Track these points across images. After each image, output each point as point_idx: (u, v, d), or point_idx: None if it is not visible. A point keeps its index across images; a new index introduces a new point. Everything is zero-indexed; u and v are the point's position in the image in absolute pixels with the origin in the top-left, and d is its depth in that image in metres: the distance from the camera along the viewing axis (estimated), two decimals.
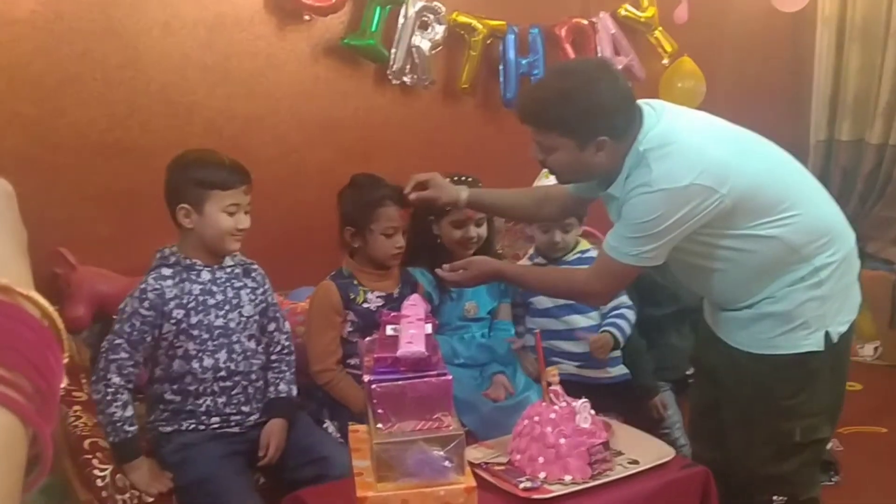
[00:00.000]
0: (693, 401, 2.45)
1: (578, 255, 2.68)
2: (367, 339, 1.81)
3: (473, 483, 1.63)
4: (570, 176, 2.11)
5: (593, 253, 2.68)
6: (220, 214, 2.10)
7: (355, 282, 2.41)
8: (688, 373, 2.74)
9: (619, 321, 2.63)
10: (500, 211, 2.55)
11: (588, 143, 1.94)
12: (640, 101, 2.01)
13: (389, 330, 1.73)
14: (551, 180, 2.39)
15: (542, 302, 2.65)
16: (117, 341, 2.06)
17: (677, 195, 1.88)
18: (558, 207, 2.41)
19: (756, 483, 2.14)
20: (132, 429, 2.06)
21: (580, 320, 2.65)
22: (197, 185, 2.10)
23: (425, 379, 1.62)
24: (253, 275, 2.27)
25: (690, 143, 1.94)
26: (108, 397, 2.04)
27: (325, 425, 2.32)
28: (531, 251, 2.75)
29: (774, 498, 2.13)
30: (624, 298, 2.65)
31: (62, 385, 0.50)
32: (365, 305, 2.38)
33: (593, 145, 1.94)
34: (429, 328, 1.73)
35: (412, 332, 1.69)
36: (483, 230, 2.61)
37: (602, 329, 2.61)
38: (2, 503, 0.43)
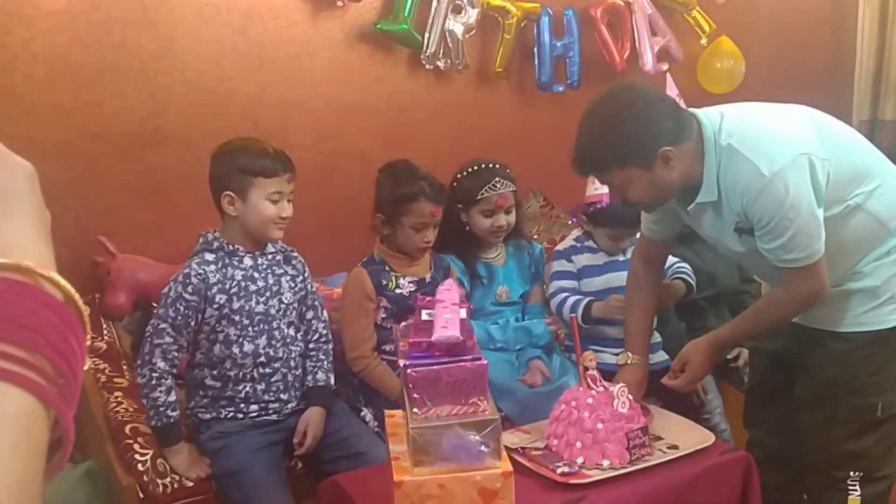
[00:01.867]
0: (753, 389, 2.39)
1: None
2: (402, 324, 1.80)
3: (510, 468, 1.62)
4: (654, 200, 2.03)
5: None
6: (263, 202, 2.11)
7: (387, 268, 2.41)
8: (728, 357, 2.70)
9: (684, 269, 2.60)
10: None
11: (653, 161, 1.90)
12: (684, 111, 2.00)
13: (424, 315, 1.73)
14: (598, 186, 2.38)
15: (591, 285, 2.61)
16: (162, 326, 2.08)
17: (792, 171, 1.83)
18: (660, 268, 2.37)
19: (832, 462, 2.09)
20: (174, 414, 2.08)
21: None
22: (241, 172, 2.11)
23: (461, 363, 1.61)
24: (293, 262, 2.28)
25: (771, 122, 1.93)
26: (153, 381, 2.05)
27: (362, 413, 2.32)
28: (577, 233, 2.69)
29: (851, 474, 2.08)
30: (673, 259, 2.61)
31: (84, 368, 0.49)
32: (398, 291, 2.38)
33: (659, 160, 1.90)
34: (463, 313, 1.72)
35: (447, 316, 1.68)
36: (512, 217, 2.60)
37: (673, 276, 2.57)
38: (24, 487, 0.43)
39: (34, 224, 0.51)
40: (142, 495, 2.03)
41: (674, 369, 2.17)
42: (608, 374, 2.11)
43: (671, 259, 2.54)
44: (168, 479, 2.06)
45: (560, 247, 2.72)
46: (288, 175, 2.16)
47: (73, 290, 0.49)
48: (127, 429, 2.13)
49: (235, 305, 2.12)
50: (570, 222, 3.45)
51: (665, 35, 3.82)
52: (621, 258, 2.60)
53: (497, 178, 2.55)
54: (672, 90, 2.85)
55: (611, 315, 2.49)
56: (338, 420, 2.22)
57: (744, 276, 2.81)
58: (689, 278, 2.58)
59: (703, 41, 3.96)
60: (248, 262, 2.17)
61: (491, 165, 2.58)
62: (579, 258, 2.63)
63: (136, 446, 2.09)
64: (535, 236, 3.34)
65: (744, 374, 2.71)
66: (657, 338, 2.64)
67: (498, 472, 1.60)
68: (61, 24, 2.79)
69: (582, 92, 3.71)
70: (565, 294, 2.57)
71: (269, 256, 2.22)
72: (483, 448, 1.61)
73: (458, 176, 2.60)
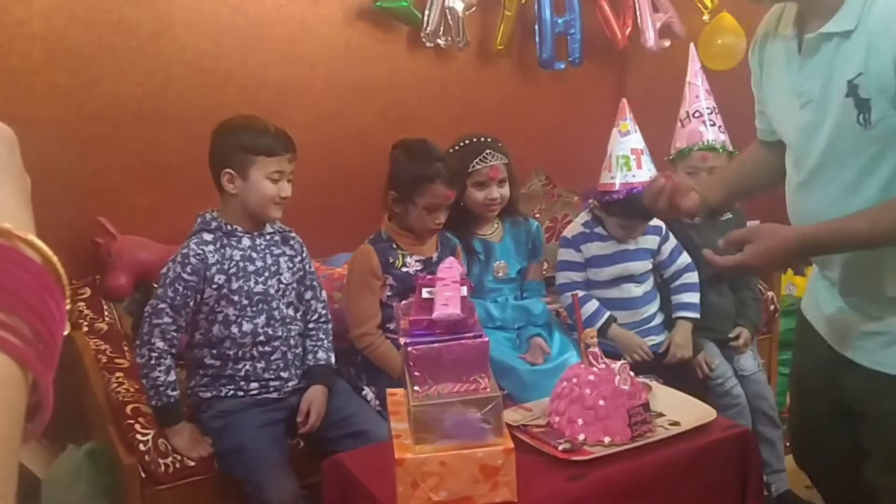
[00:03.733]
0: (804, 433, 1.98)
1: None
2: (404, 302, 1.79)
3: (511, 445, 1.62)
4: None
5: (658, 221, 2.57)
6: (263, 181, 2.11)
7: (394, 245, 2.40)
8: (730, 335, 2.70)
9: (686, 297, 2.60)
10: (743, 194, 2.07)
11: None
12: None
13: (425, 293, 1.72)
14: (613, 174, 2.36)
15: (600, 275, 2.60)
16: (160, 306, 2.07)
17: None
18: (776, 163, 1.79)
19: None
20: (175, 393, 2.08)
21: (635, 289, 2.61)
22: (243, 150, 2.10)
23: (461, 341, 1.60)
24: (291, 242, 2.27)
25: None
26: (152, 361, 2.06)
27: (363, 392, 2.32)
28: (586, 217, 2.64)
29: None
30: (683, 258, 2.61)
31: (64, 332, 0.48)
32: (404, 269, 2.37)
33: None
34: (464, 290, 1.71)
35: (448, 294, 1.67)
36: (506, 190, 2.58)
37: (675, 316, 2.57)
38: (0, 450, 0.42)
39: (12, 188, 0.50)
40: (144, 475, 2.03)
41: (736, 238, 1.67)
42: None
43: (675, 265, 2.57)
44: (170, 459, 2.06)
45: (568, 233, 2.70)
46: (289, 155, 2.15)
47: (51, 254, 0.48)
48: (128, 409, 2.14)
49: (234, 286, 2.12)
50: (574, 199, 3.43)
51: (667, 11, 3.78)
52: (632, 247, 2.59)
53: (487, 151, 2.55)
54: (695, 63, 2.81)
55: (625, 352, 2.49)
56: (340, 399, 2.22)
57: None
58: (692, 314, 2.58)
59: (706, 17, 3.92)
60: (246, 242, 2.17)
61: (481, 139, 2.58)
62: (588, 247, 2.61)
63: (138, 426, 2.09)
64: (537, 215, 3.33)
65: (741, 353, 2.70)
66: (660, 319, 2.64)
67: (500, 450, 1.61)
68: (58, 3, 2.77)
69: (583, 69, 3.70)
70: (577, 291, 2.52)
71: (268, 237, 2.22)
72: (484, 425, 1.61)
73: (450, 151, 2.58)
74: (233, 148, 2.11)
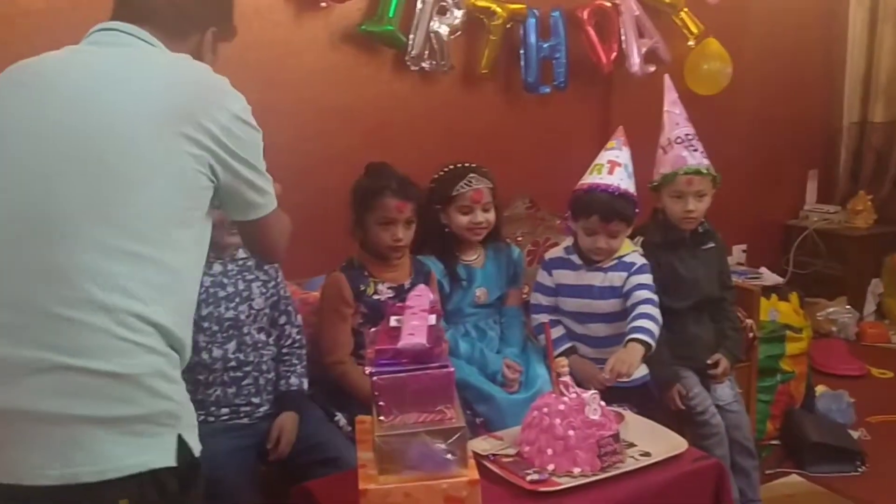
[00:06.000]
0: None
1: (617, 260, 2.54)
2: (372, 329, 1.79)
3: (476, 476, 1.62)
4: None
5: (633, 258, 2.55)
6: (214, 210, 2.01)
7: (365, 273, 2.40)
8: (708, 362, 2.68)
9: (642, 322, 2.39)
10: None
11: None
12: None
13: (393, 321, 1.72)
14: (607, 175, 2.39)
15: (565, 304, 2.59)
16: None
17: None
18: None
19: None
20: None
21: (602, 329, 2.56)
22: None
23: (427, 371, 1.60)
24: (265, 267, 2.26)
25: None
26: None
27: (336, 418, 2.31)
28: (566, 243, 2.64)
29: None
30: (645, 293, 2.46)
31: None
32: (375, 297, 2.37)
33: None
34: (433, 319, 1.71)
35: (415, 323, 1.67)
36: (491, 215, 2.58)
37: (627, 339, 2.36)
38: None
39: None
40: None
41: None
42: None
43: (636, 297, 2.46)
44: None
45: (549, 255, 2.71)
46: None
47: None
48: None
49: (204, 312, 2.11)
50: (556, 223, 3.44)
51: (653, 36, 3.81)
52: (598, 283, 2.54)
53: (472, 175, 2.56)
54: (671, 93, 2.81)
55: (583, 381, 2.36)
56: (311, 425, 2.21)
57: (724, 284, 2.80)
58: (646, 338, 2.35)
59: (691, 43, 3.95)
60: (217, 268, 2.16)
61: (466, 165, 2.59)
62: (559, 273, 2.60)
63: None
64: (520, 238, 3.33)
65: (719, 384, 2.68)
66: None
67: (464, 481, 1.60)
68: (41, 24, 2.77)
69: (569, 93, 3.71)
70: (545, 316, 2.56)
71: (240, 262, 2.21)
72: (449, 456, 1.60)
73: (435, 177, 2.60)
74: None
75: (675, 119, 2.74)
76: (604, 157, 2.56)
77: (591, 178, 2.53)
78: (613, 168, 2.51)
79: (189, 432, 1.42)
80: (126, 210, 1.36)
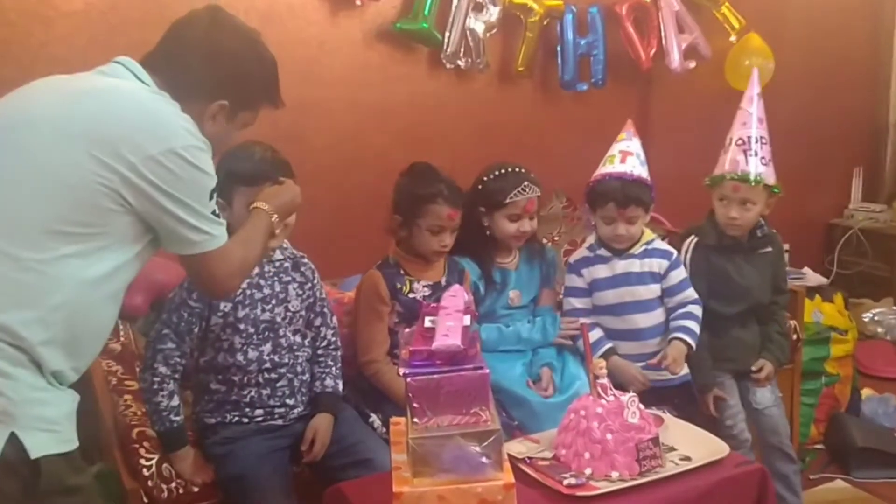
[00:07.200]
0: None
1: (644, 247, 2.53)
2: (407, 330, 1.77)
3: (512, 479, 1.58)
4: None
5: (659, 244, 2.55)
6: (245, 211, 1.89)
7: (402, 271, 2.37)
8: (753, 368, 2.62)
9: (687, 322, 2.47)
10: None
11: None
12: None
13: (427, 322, 1.69)
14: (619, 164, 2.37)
15: (603, 299, 2.56)
16: (164, 331, 2.06)
17: None
18: None
19: None
20: (178, 418, 2.06)
21: (642, 319, 2.53)
22: (226, 177, 1.89)
23: (461, 372, 1.57)
24: (302, 269, 2.23)
25: None
26: (155, 386, 2.05)
27: (370, 419, 2.29)
28: (591, 240, 2.62)
29: None
30: (690, 292, 2.51)
31: None
32: (411, 295, 2.34)
33: None
34: (467, 320, 1.68)
35: (449, 324, 1.64)
36: (535, 223, 2.57)
37: (671, 336, 2.46)
38: None
39: None
40: (146, 500, 2.01)
41: None
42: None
43: (679, 296, 2.50)
44: (173, 485, 2.04)
45: (573, 258, 2.66)
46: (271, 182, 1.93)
47: None
48: (134, 433, 2.12)
49: (241, 314, 2.10)
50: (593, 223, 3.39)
51: (693, 32, 3.75)
52: (636, 269, 2.52)
53: (526, 183, 2.50)
54: (751, 88, 2.68)
55: (623, 383, 2.35)
56: (345, 426, 2.19)
57: (778, 288, 2.72)
58: (688, 338, 2.46)
59: (732, 38, 3.87)
60: (254, 269, 2.13)
61: (518, 170, 2.54)
62: (590, 271, 2.56)
63: (142, 451, 2.07)
64: (556, 238, 3.29)
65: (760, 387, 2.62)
66: None
67: (500, 484, 1.57)
68: (79, 26, 2.80)
69: (606, 90, 3.66)
70: (583, 319, 2.48)
71: (277, 263, 2.18)
72: (484, 459, 1.57)
73: (484, 179, 2.53)
74: (221, 174, 1.82)
75: (744, 118, 2.61)
76: (615, 148, 2.56)
77: (603, 169, 2.54)
78: (625, 157, 2.51)
79: (29, 434, 1.40)
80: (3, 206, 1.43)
